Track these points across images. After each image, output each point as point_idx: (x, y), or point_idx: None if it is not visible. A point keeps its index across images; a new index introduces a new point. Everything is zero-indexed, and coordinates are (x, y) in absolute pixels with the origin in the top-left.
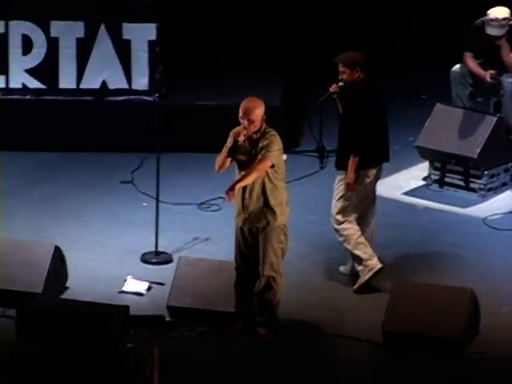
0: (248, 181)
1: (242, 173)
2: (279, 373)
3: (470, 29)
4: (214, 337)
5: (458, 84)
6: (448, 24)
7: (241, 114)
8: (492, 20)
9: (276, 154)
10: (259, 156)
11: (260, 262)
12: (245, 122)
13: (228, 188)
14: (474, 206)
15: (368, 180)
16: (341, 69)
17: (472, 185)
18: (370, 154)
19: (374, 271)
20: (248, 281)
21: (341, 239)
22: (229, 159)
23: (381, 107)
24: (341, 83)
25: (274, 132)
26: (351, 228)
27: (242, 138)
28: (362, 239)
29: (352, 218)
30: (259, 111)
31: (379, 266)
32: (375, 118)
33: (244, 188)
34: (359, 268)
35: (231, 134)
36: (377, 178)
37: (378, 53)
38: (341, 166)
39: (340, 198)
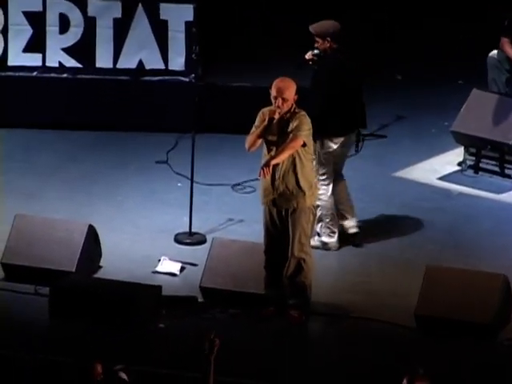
0: (282, 158)
1: (272, 153)
2: (311, 356)
3: (509, 15)
4: (245, 319)
5: (495, 69)
6: (487, 10)
7: (274, 93)
8: None
9: (307, 133)
10: (291, 135)
11: (290, 244)
12: (278, 101)
13: (263, 164)
14: (508, 192)
15: (334, 147)
16: (315, 36)
17: (507, 171)
18: (333, 122)
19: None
20: (278, 263)
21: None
22: (260, 138)
23: (350, 78)
24: (316, 51)
25: (303, 112)
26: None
27: (277, 116)
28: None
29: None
30: (292, 90)
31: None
32: (341, 88)
33: (274, 169)
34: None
35: (260, 113)
36: (344, 146)
37: (414, 36)
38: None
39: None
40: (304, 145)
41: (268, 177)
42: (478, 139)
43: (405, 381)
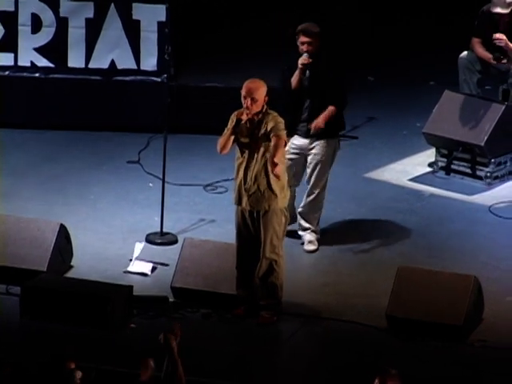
0: (280, 155)
1: (245, 155)
2: (282, 357)
3: (479, 14)
4: (216, 319)
5: (466, 70)
6: (457, 10)
7: (244, 93)
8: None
9: (284, 132)
10: (272, 136)
11: (261, 245)
12: (247, 102)
13: (272, 167)
14: (479, 194)
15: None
16: (307, 39)
17: (478, 172)
18: (343, 122)
19: None
20: (249, 263)
21: None
22: (231, 140)
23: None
24: (307, 54)
25: (276, 113)
26: None
27: (245, 117)
28: None
29: None
30: (262, 91)
31: None
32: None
33: (246, 171)
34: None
35: (232, 116)
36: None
37: (386, 37)
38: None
39: None
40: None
41: (238, 179)
42: (449, 141)
43: (377, 381)
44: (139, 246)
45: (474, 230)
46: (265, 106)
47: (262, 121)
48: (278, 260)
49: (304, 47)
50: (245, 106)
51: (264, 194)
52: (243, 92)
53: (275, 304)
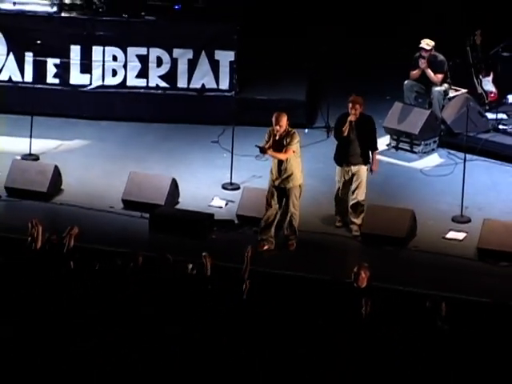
0: (276, 156)
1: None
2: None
3: (414, 58)
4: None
5: (408, 91)
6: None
7: (274, 121)
8: (420, 48)
9: (296, 144)
10: (286, 147)
11: (286, 205)
12: (277, 127)
13: (264, 149)
14: (414, 162)
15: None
16: (356, 105)
17: (414, 148)
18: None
19: None
20: (273, 215)
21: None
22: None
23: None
24: (354, 116)
25: (294, 130)
26: None
27: (277, 137)
28: None
29: None
30: (285, 119)
31: None
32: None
33: (280, 163)
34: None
35: (268, 131)
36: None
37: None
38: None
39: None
40: (293, 151)
41: (275, 168)
42: (397, 131)
43: (355, 269)
44: (217, 197)
45: (411, 182)
46: (287, 128)
47: (285, 137)
48: (296, 214)
49: (352, 111)
50: (275, 129)
51: (289, 177)
52: (273, 120)
53: (295, 237)
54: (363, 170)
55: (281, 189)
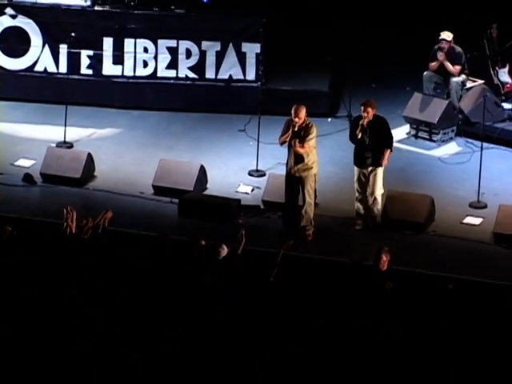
0: (297, 151)
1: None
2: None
3: (433, 50)
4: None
5: (427, 82)
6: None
7: (293, 113)
8: (440, 40)
9: (313, 136)
10: (304, 140)
11: (301, 193)
12: (295, 119)
13: (285, 142)
14: (433, 150)
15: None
16: (368, 109)
17: (433, 137)
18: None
19: None
20: (291, 202)
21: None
22: (288, 139)
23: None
24: (366, 119)
25: (312, 123)
26: None
27: (296, 128)
28: None
29: None
30: (303, 112)
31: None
32: None
33: (296, 154)
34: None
35: (285, 122)
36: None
37: (379, 52)
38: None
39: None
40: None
41: (292, 158)
42: (417, 120)
43: (376, 253)
44: (243, 184)
45: (430, 169)
46: (306, 120)
47: (303, 129)
48: (312, 202)
49: (364, 114)
50: (294, 121)
51: (305, 167)
52: (292, 112)
53: (312, 226)
54: (379, 170)
55: (296, 178)
